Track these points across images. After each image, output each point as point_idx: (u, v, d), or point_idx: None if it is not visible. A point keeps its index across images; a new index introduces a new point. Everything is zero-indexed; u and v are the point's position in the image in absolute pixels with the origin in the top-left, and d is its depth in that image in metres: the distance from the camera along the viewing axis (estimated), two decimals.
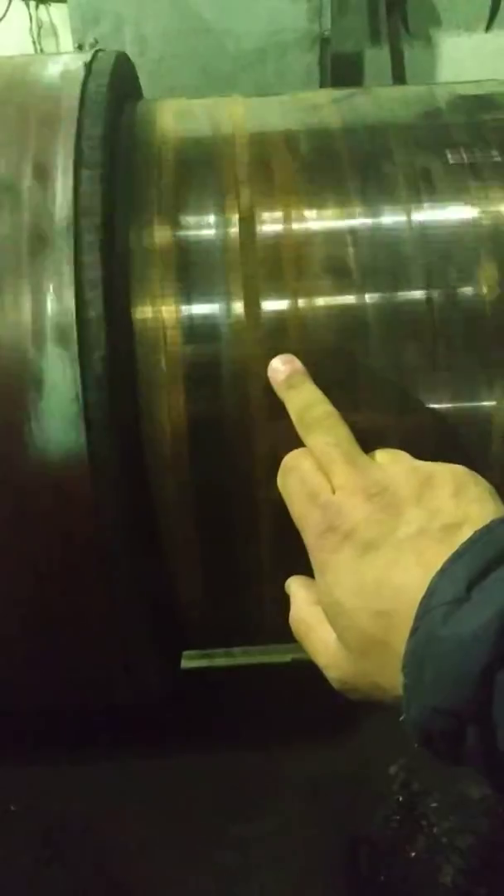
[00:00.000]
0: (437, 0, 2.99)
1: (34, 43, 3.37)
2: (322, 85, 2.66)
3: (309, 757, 1.12)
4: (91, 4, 2.63)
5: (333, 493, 0.68)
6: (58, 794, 1.08)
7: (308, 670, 1.25)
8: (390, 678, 0.60)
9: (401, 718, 0.58)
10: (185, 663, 1.21)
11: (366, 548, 0.64)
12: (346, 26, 2.94)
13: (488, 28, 2.84)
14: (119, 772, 1.11)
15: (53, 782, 1.09)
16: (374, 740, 1.15)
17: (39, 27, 3.37)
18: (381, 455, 0.71)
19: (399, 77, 2.97)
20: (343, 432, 0.71)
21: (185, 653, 1.21)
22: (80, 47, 2.67)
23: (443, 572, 0.57)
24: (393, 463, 0.70)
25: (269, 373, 0.75)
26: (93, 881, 1.02)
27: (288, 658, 1.23)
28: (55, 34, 3.36)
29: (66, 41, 3.10)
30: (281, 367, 0.75)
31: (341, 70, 2.84)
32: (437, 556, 0.59)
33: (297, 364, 0.75)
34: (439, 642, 0.54)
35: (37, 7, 3.35)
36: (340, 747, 1.13)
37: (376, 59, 3.02)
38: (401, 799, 1.09)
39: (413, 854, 1.04)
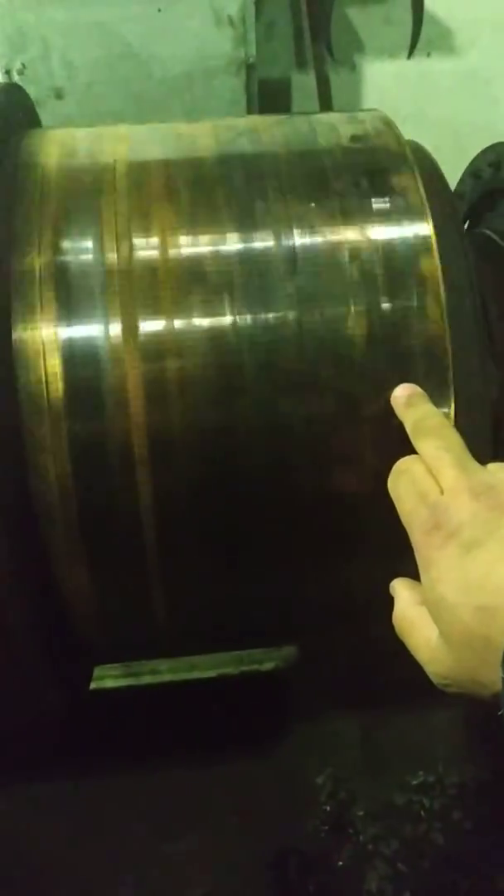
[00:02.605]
0: (360, 28, 3.05)
1: None
2: (249, 109, 2.70)
3: (237, 770, 1.13)
4: (18, 31, 2.62)
5: (442, 494, 0.70)
6: None
7: (233, 685, 1.27)
8: (490, 674, 0.61)
9: (499, 713, 0.59)
10: (111, 682, 1.22)
11: (471, 545, 0.66)
12: (272, 52, 2.98)
13: (410, 55, 2.91)
14: (47, 791, 1.11)
15: None
16: (301, 752, 1.16)
17: None
18: (492, 465, 0.73)
19: (325, 101, 3.02)
20: (454, 439, 0.75)
21: (111, 672, 1.21)
22: (7, 73, 2.67)
23: None
24: (501, 469, 0.72)
25: (392, 400, 0.79)
26: None
27: (213, 673, 1.24)
28: None
29: None
30: (401, 393, 0.79)
31: (269, 95, 2.88)
32: None
33: (418, 389, 0.79)
34: None
35: None
36: (268, 760, 1.15)
37: (303, 84, 3.06)
38: (328, 808, 1.11)
39: (340, 863, 1.06)
